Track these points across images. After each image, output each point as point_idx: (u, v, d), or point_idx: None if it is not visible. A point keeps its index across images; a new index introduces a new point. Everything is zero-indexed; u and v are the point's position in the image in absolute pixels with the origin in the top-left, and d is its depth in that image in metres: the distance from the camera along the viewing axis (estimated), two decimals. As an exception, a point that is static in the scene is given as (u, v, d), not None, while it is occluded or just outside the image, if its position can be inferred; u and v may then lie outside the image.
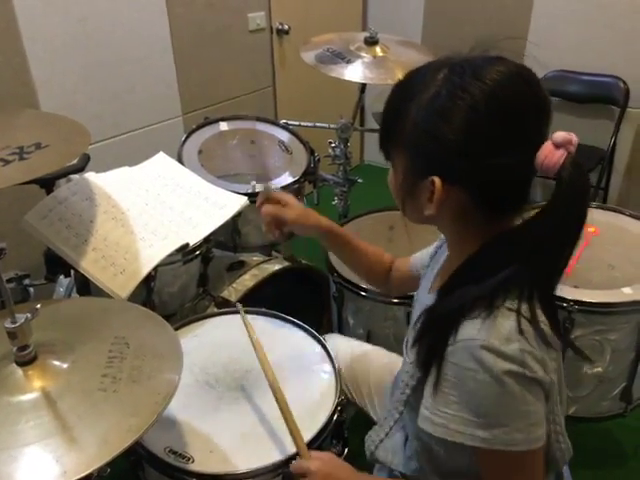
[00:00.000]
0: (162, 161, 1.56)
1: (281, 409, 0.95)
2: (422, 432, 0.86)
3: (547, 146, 0.70)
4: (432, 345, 0.76)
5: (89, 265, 1.20)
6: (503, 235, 0.78)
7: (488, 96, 0.70)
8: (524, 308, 0.73)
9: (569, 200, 0.71)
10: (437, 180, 0.74)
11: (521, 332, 0.71)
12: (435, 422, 0.75)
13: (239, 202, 1.47)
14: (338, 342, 1.36)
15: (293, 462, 0.92)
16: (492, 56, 0.75)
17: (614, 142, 2.75)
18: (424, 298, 0.95)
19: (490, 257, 0.77)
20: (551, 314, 0.76)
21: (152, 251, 1.26)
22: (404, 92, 0.79)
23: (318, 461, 0.89)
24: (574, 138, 0.70)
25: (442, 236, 1.01)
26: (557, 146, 0.70)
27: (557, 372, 0.78)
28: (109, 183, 1.40)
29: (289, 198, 1.12)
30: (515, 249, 0.75)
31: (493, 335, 0.70)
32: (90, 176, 1.41)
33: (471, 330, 0.71)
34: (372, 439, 1.03)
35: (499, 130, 0.71)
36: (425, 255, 1.09)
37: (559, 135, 0.70)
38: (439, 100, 0.73)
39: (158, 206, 1.38)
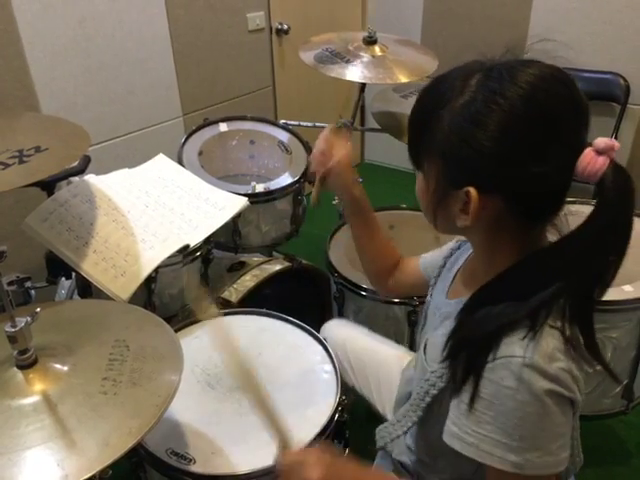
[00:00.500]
0: (162, 162, 1.56)
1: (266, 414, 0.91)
2: (432, 437, 0.85)
3: (589, 152, 0.68)
4: (469, 362, 0.73)
5: (90, 267, 1.20)
6: (546, 250, 0.75)
7: (525, 100, 0.68)
8: (566, 326, 0.71)
9: (614, 208, 0.69)
10: (473, 191, 0.72)
11: (564, 351, 0.69)
12: (465, 441, 0.72)
13: (239, 203, 1.47)
14: (347, 329, 1.36)
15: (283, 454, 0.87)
16: (525, 59, 0.73)
17: (615, 139, 2.74)
18: (442, 302, 0.92)
19: (532, 272, 0.74)
20: (589, 333, 0.74)
21: (153, 253, 1.26)
22: (434, 99, 0.76)
23: (313, 453, 0.85)
24: (616, 144, 0.68)
25: (458, 237, 0.99)
26: (599, 152, 0.68)
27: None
28: (109, 185, 1.40)
29: (348, 146, 1.11)
30: (559, 264, 0.72)
31: (536, 353, 0.67)
32: (90, 178, 1.41)
33: (513, 347, 0.69)
34: (388, 431, 0.99)
35: (538, 135, 0.69)
36: (437, 257, 1.05)
37: (601, 141, 0.68)
38: (474, 106, 0.70)
39: (158, 208, 1.38)
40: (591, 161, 0.68)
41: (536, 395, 0.67)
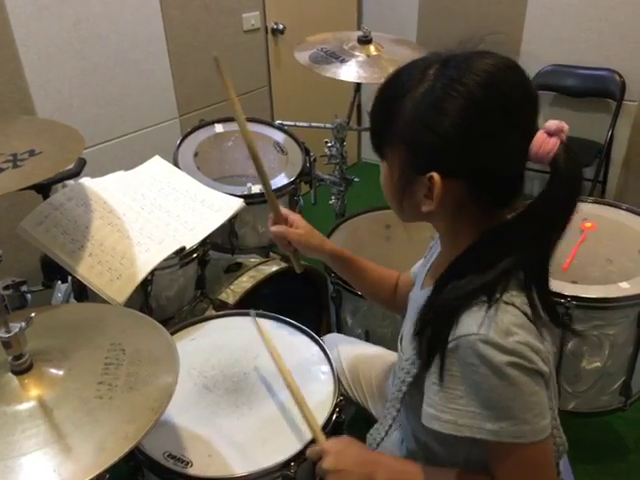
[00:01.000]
0: (157, 164, 1.56)
1: (297, 401, 1.00)
2: (419, 430, 0.88)
3: (541, 135, 0.72)
4: (433, 340, 0.77)
5: (85, 271, 1.20)
6: (502, 226, 0.79)
7: (483, 87, 0.72)
8: (521, 300, 0.74)
9: (565, 186, 0.73)
10: (436, 175, 0.75)
11: (519, 325, 0.72)
12: (443, 419, 0.76)
13: (235, 204, 1.47)
14: (340, 342, 1.37)
15: (309, 449, 0.94)
16: (480, 50, 0.77)
17: (611, 136, 2.74)
18: (417, 295, 0.95)
19: (489, 249, 0.78)
20: (548, 303, 0.79)
21: (148, 255, 1.26)
22: (395, 89, 0.79)
23: (330, 442, 0.92)
24: (565, 126, 0.72)
25: (436, 235, 1.01)
26: (550, 134, 0.72)
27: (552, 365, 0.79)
28: (105, 188, 1.40)
29: (296, 218, 1.14)
30: (513, 240, 0.76)
31: (492, 329, 0.71)
32: (85, 181, 1.41)
33: (471, 325, 0.72)
34: (373, 437, 1.03)
35: (496, 119, 0.72)
36: (422, 260, 1.09)
37: (552, 123, 0.72)
38: (434, 93, 0.73)
39: (154, 210, 1.38)
40: (543, 143, 0.72)
41: (497, 369, 0.70)
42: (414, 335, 0.82)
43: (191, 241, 1.35)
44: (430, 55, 0.78)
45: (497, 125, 0.72)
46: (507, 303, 0.73)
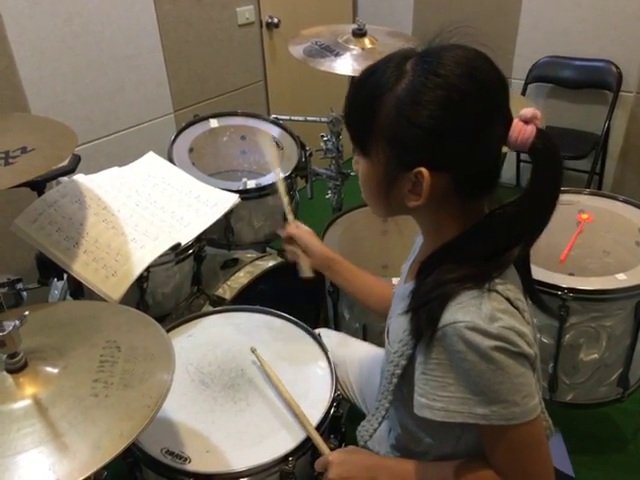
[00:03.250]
0: (152, 160, 1.55)
1: (300, 421, 1.01)
2: (408, 419, 0.90)
3: (517, 123, 0.74)
4: (420, 330, 0.78)
5: (81, 268, 1.20)
6: (489, 216, 0.81)
7: (459, 76, 0.72)
8: (504, 287, 0.76)
9: (547, 170, 0.75)
10: (425, 170, 0.75)
11: (503, 310, 0.74)
12: (435, 407, 0.77)
13: (231, 200, 1.46)
14: (330, 337, 1.36)
15: (316, 462, 0.96)
16: (450, 44, 0.78)
17: (608, 127, 2.74)
18: (400, 289, 0.97)
19: (475, 239, 0.80)
20: (531, 288, 0.83)
21: (144, 252, 1.25)
22: (373, 87, 0.78)
23: (335, 452, 0.95)
24: (539, 113, 0.74)
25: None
26: (526, 122, 0.74)
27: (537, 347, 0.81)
28: (99, 185, 1.39)
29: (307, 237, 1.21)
30: (500, 228, 0.78)
31: (477, 316, 0.73)
32: (79, 178, 1.40)
33: (456, 313, 0.74)
34: (366, 429, 1.03)
35: (477, 107, 0.73)
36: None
37: (527, 111, 0.74)
38: (414, 87, 0.74)
39: (149, 206, 1.38)
40: (521, 130, 0.74)
41: (484, 354, 0.72)
42: (406, 325, 0.83)
43: (187, 237, 1.34)
44: (404, 50, 0.79)
45: (479, 113, 0.74)
46: (490, 290, 0.75)
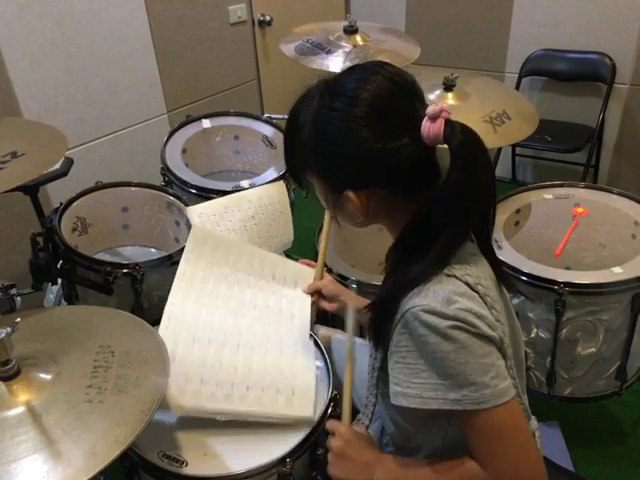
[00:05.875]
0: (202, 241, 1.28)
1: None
2: (396, 414, 0.91)
3: (425, 123, 0.77)
4: (384, 321, 0.81)
5: (256, 406, 1.03)
6: (422, 209, 0.82)
7: (352, 105, 0.77)
8: (462, 272, 0.78)
9: (466, 154, 0.76)
10: (350, 193, 0.81)
11: (460, 294, 0.76)
12: (409, 395, 0.78)
13: (309, 275, 1.33)
14: (321, 335, 1.36)
15: (331, 420, 0.97)
16: (348, 68, 0.84)
17: (602, 119, 2.73)
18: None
19: (414, 234, 0.83)
20: (499, 270, 0.86)
21: (296, 359, 1.13)
22: (294, 122, 0.85)
23: (347, 427, 0.94)
24: (445, 105, 0.76)
25: None
26: (434, 119, 0.76)
27: (508, 334, 0.83)
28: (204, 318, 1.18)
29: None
30: (442, 218, 0.79)
31: (433, 299, 0.75)
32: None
33: (414, 298, 0.77)
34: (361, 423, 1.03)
35: (380, 126, 0.77)
36: None
37: (431, 109, 0.76)
38: (318, 125, 0.80)
39: (257, 314, 1.22)
40: (430, 128, 0.76)
41: (444, 334, 0.74)
42: (370, 321, 0.86)
43: (302, 329, 1.20)
44: (317, 84, 0.84)
45: (382, 130, 0.77)
46: (449, 275, 0.78)
